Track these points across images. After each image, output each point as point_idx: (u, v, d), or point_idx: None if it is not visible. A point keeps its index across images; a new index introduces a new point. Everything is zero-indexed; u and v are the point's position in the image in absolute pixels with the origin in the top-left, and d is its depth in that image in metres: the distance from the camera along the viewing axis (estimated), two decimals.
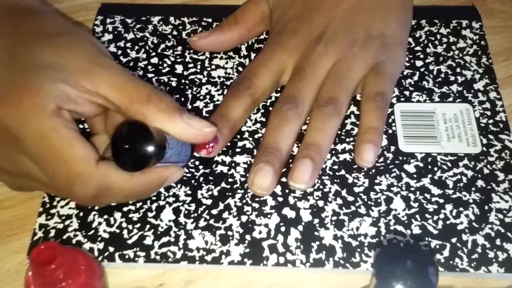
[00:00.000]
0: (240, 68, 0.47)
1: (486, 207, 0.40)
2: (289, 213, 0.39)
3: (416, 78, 0.47)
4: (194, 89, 0.46)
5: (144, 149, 0.33)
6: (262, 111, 0.45)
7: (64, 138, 0.32)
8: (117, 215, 0.39)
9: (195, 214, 0.39)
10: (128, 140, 0.34)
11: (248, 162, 0.42)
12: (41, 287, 0.32)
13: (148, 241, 0.38)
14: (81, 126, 0.43)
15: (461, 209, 0.40)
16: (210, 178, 0.41)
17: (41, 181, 0.34)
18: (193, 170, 0.41)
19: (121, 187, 0.35)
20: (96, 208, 0.39)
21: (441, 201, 0.40)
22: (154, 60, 0.48)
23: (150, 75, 0.47)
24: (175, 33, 0.50)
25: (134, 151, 0.34)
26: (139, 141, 0.33)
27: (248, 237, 0.38)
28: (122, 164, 0.34)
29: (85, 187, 0.33)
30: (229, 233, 0.38)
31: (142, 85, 0.35)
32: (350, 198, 0.40)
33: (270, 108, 0.44)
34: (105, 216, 0.39)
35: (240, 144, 0.43)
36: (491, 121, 0.44)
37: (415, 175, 0.41)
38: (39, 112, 0.32)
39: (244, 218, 0.39)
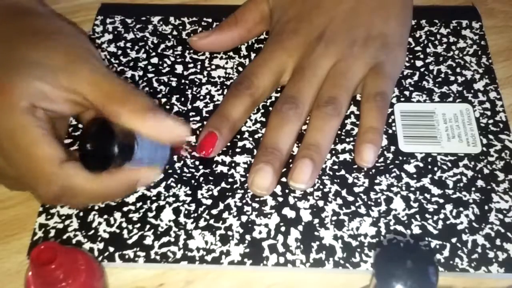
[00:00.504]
0: (240, 68, 0.47)
1: (486, 207, 0.40)
2: (289, 213, 0.39)
3: (416, 78, 0.47)
4: (194, 89, 0.46)
5: (106, 150, 0.33)
6: (262, 111, 0.45)
7: (31, 136, 0.33)
8: (117, 215, 0.39)
9: (195, 214, 0.39)
10: (92, 141, 0.34)
11: (248, 162, 0.42)
12: (41, 287, 0.32)
13: (148, 241, 0.38)
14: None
15: (461, 209, 0.40)
16: (210, 178, 0.41)
17: (13, 179, 0.35)
18: (193, 170, 0.41)
19: (86, 188, 0.34)
20: (96, 207, 0.39)
21: (441, 201, 0.40)
22: (154, 60, 0.48)
23: (150, 75, 0.47)
24: (175, 33, 0.50)
25: (97, 152, 0.34)
26: (102, 142, 0.33)
27: (248, 237, 0.38)
28: (87, 164, 0.34)
29: (47, 186, 0.33)
30: (229, 233, 0.38)
31: (118, 84, 0.35)
32: (350, 198, 0.40)
33: (270, 108, 0.44)
34: (105, 216, 0.39)
35: (240, 144, 0.43)
36: (491, 121, 0.44)
37: (415, 175, 0.41)
38: (10, 109, 0.33)
39: (244, 218, 0.39)
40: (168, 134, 0.35)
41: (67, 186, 0.34)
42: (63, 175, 0.33)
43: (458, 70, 0.47)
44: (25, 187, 0.37)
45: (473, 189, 0.41)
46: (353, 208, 0.40)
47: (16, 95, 0.33)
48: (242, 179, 0.41)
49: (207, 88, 0.46)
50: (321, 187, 0.41)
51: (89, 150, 0.34)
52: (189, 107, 0.45)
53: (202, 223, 0.39)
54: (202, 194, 0.40)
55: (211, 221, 0.39)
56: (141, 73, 0.47)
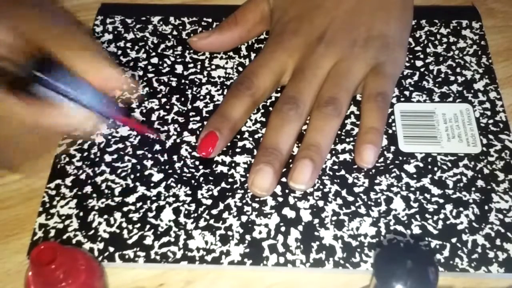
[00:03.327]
0: (240, 68, 0.47)
1: (486, 207, 0.40)
2: (289, 213, 0.39)
3: (416, 78, 0.47)
4: (194, 89, 0.46)
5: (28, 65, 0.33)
6: (262, 111, 0.45)
7: None
8: (117, 215, 0.39)
9: (195, 214, 0.39)
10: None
11: (248, 162, 0.42)
12: (41, 287, 0.32)
13: (148, 241, 0.38)
14: None
15: (461, 209, 0.40)
16: (210, 178, 0.41)
17: None
18: (193, 170, 0.41)
19: (15, 110, 0.33)
20: (96, 207, 0.39)
21: (441, 201, 0.40)
22: (154, 60, 0.48)
23: (150, 75, 0.47)
24: (175, 33, 0.50)
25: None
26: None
27: (248, 237, 0.38)
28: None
29: None
30: (229, 233, 0.38)
31: (61, 25, 0.34)
32: (350, 198, 0.40)
33: (270, 108, 0.44)
34: (105, 216, 0.39)
35: (240, 144, 0.43)
36: (491, 121, 0.44)
37: (415, 175, 0.41)
38: None
39: (244, 218, 0.39)
40: (99, 76, 0.34)
41: None
42: None
43: (458, 70, 0.47)
44: None
45: (473, 189, 0.41)
46: (353, 208, 0.40)
47: None
48: (242, 179, 0.41)
49: (207, 88, 0.46)
50: (321, 187, 0.41)
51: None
52: (189, 107, 0.45)
53: (202, 223, 0.39)
54: (202, 194, 0.40)
55: (211, 221, 0.39)
56: (141, 73, 0.47)
